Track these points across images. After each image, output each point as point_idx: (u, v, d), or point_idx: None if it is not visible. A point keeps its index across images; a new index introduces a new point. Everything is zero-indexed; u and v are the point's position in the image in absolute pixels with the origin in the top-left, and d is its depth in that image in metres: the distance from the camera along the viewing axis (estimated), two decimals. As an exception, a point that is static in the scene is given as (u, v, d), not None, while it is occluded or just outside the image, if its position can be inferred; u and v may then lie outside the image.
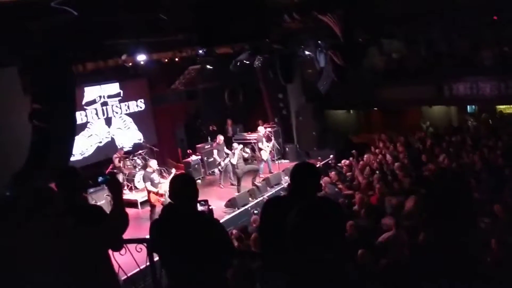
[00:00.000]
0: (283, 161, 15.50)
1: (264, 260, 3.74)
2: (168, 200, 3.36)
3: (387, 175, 10.04)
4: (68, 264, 2.57)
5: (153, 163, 10.89)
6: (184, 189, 3.16)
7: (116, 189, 3.12)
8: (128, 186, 12.53)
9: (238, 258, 6.12)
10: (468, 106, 16.50)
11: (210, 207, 3.34)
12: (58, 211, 2.67)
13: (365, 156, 12.49)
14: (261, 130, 14.20)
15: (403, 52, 15.03)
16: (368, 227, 7.20)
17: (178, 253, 3.07)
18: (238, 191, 12.25)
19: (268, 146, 13.83)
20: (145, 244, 3.90)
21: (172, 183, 3.25)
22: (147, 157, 13.00)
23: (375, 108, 17.01)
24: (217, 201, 11.96)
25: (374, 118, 18.01)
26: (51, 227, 2.60)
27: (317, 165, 11.96)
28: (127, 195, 11.98)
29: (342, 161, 12.64)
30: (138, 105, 14.23)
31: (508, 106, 15.41)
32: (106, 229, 2.89)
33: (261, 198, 11.61)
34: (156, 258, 3.61)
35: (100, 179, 3.21)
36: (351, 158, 11.63)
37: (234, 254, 3.44)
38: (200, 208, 3.28)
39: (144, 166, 12.26)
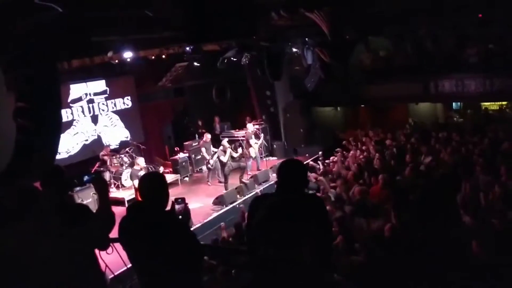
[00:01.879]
0: (270, 158, 15.54)
1: (249, 257, 3.73)
2: None
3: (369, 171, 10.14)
4: (53, 264, 2.54)
5: (141, 161, 10.83)
6: (152, 188, 3.09)
7: (102, 187, 3.09)
8: (115, 184, 12.44)
9: (227, 256, 6.12)
10: (453, 103, 16.67)
11: (187, 205, 3.30)
12: (43, 211, 2.64)
13: (351, 152, 12.58)
14: (250, 127, 14.19)
15: (390, 50, 15.13)
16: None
17: (142, 253, 3.04)
18: (226, 189, 12.24)
19: (256, 143, 13.83)
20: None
21: (141, 181, 3.19)
22: (134, 155, 12.92)
23: (362, 105, 17.10)
24: (205, 198, 11.94)
25: (361, 115, 18.10)
26: (36, 227, 2.57)
27: (305, 162, 12.03)
28: (114, 193, 11.90)
29: (331, 158, 12.73)
30: (125, 103, 14.12)
31: (493, 103, 15.61)
32: (92, 228, 2.87)
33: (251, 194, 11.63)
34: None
35: (86, 178, 3.18)
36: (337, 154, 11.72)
37: (201, 257, 3.38)
38: (176, 206, 3.25)
39: (131, 164, 12.19)
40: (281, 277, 1.63)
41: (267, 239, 1.68)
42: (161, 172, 12.08)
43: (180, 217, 3.21)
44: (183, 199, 3.25)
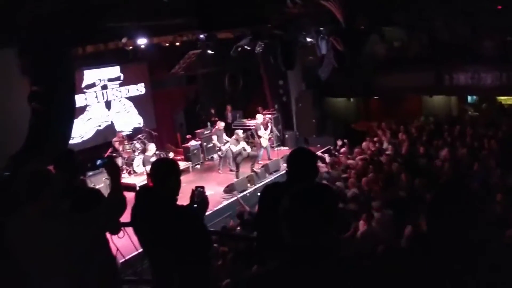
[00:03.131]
0: (282, 148, 15.49)
1: (259, 245, 3.73)
2: None
3: (381, 163, 10.12)
4: (64, 247, 2.57)
5: (152, 147, 10.90)
6: (162, 174, 3.05)
7: (114, 172, 3.11)
8: (127, 170, 12.54)
9: (236, 242, 6.16)
10: (468, 96, 16.43)
11: (205, 194, 3.25)
12: (56, 194, 2.67)
13: (363, 143, 12.53)
14: (259, 117, 14.16)
15: (405, 40, 14.93)
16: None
17: (149, 238, 3.05)
18: (237, 177, 12.26)
19: (265, 133, 13.82)
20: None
21: (152, 167, 3.14)
22: (146, 141, 12.99)
23: (375, 96, 16.96)
24: (216, 186, 11.99)
25: (374, 106, 17.97)
26: (48, 209, 2.60)
27: (318, 152, 12.05)
28: (126, 179, 11.99)
29: (342, 149, 12.71)
30: (138, 89, 14.17)
31: (509, 97, 15.33)
32: (103, 212, 2.89)
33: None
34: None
35: (98, 162, 3.20)
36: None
37: (208, 247, 3.34)
38: (195, 194, 3.22)
39: (143, 150, 12.27)
40: (309, 263, 1.70)
41: (294, 227, 1.75)
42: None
43: (196, 205, 3.19)
44: (202, 187, 3.22)
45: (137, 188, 11.35)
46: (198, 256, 3.08)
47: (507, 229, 5.25)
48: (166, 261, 3.02)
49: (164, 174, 3.05)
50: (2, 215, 2.66)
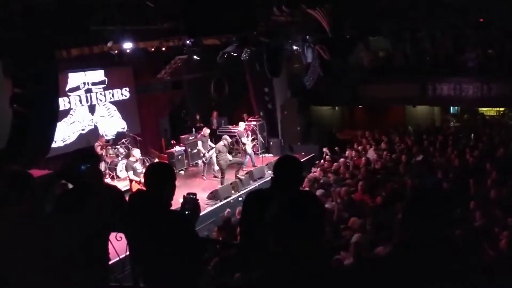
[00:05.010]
0: (267, 155, 15.52)
1: (243, 251, 3.71)
2: None
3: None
4: (45, 252, 2.52)
5: (136, 152, 10.80)
6: (157, 179, 3.03)
7: (97, 177, 3.07)
8: (110, 174, 12.42)
9: (219, 248, 6.13)
10: (451, 107, 16.69)
11: (197, 201, 3.22)
12: (37, 197, 2.62)
13: (347, 152, 12.62)
14: (242, 125, 14.17)
15: (390, 50, 15.13)
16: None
17: (139, 243, 3.03)
18: (221, 184, 12.22)
19: (249, 140, 13.81)
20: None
21: (147, 171, 3.14)
22: (130, 146, 12.89)
23: (360, 105, 17.11)
24: (199, 193, 11.88)
25: (358, 115, 18.13)
26: (29, 214, 2.55)
27: (302, 160, 12.09)
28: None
29: (326, 157, 12.78)
30: (122, 94, 14.07)
31: (489, 108, 15.60)
32: (87, 216, 2.84)
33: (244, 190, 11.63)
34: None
35: (82, 167, 3.15)
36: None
37: (199, 254, 3.31)
38: (187, 201, 3.20)
39: (127, 155, 12.17)
40: (293, 270, 1.70)
41: (281, 235, 1.74)
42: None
43: (188, 212, 3.16)
44: (194, 194, 3.20)
45: (122, 191, 11.21)
46: (191, 261, 3.06)
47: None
48: (158, 266, 2.99)
49: (162, 179, 3.03)
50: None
